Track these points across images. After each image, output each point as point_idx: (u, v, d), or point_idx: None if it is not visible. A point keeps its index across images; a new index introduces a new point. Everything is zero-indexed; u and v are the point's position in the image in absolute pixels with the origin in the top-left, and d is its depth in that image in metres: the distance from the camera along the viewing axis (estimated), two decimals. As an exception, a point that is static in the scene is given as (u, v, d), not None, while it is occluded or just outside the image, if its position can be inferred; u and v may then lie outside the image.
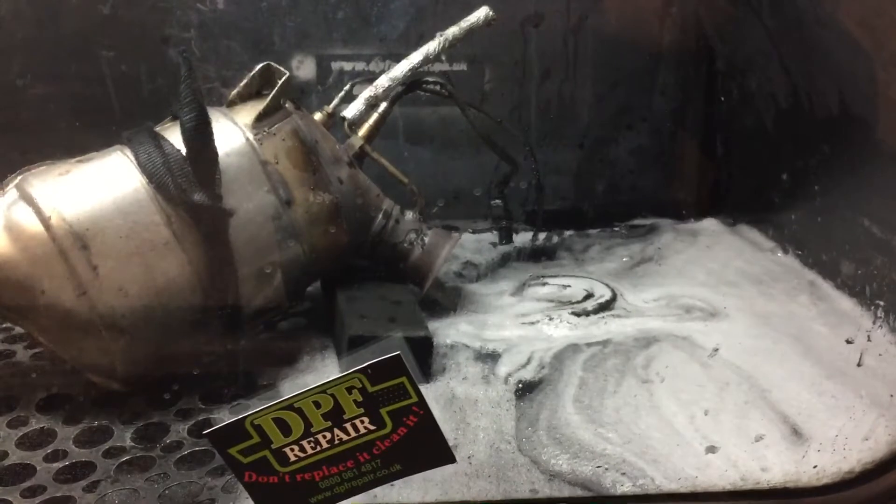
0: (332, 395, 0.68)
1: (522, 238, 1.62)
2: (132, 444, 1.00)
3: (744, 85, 1.65)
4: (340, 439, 0.70)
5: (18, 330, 1.22)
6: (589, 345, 1.21)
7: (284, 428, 0.69)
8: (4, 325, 1.25)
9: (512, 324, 1.28)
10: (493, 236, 1.62)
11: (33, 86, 1.47)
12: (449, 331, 1.24)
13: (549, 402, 1.07)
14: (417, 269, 1.27)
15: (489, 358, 1.18)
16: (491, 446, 0.98)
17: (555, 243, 1.62)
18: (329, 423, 0.69)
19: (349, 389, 0.68)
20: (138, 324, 1.01)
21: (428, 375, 1.12)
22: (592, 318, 1.30)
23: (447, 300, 1.31)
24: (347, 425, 0.70)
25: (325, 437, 0.70)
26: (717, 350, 1.15)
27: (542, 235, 1.61)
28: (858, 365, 1.04)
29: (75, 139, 1.29)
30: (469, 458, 0.95)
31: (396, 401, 0.69)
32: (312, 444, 0.70)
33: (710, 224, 1.72)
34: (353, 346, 1.09)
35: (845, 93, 1.34)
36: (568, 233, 1.68)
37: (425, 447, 0.72)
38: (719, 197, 1.76)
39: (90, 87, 1.49)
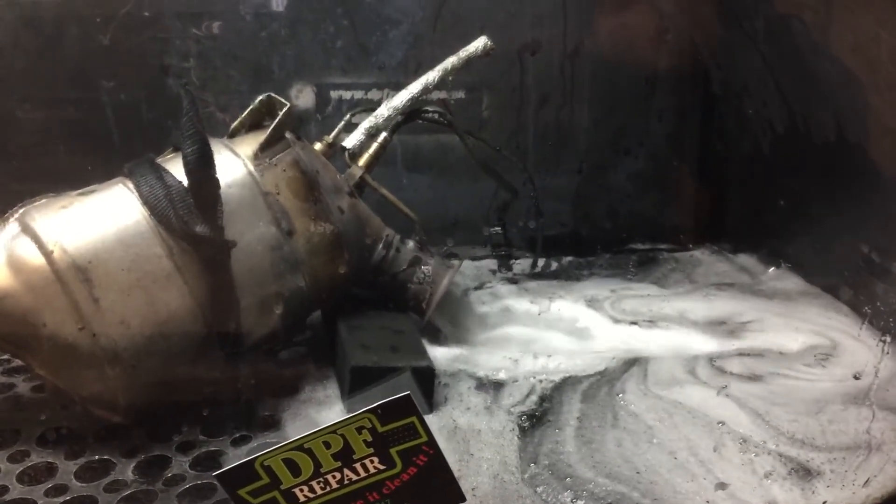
0: (342, 436, 0.68)
1: (523, 264, 1.63)
2: (134, 477, 0.99)
3: (740, 110, 1.66)
4: (350, 479, 0.70)
5: (18, 362, 1.21)
6: (589, 376, 1.21)
7: (294, 468, 0.69)
8: (4, 358, 1.24)
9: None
10: (492, 263, 1.62)
11: (33, 115, 1.47)
12: (450, 359, 1.24)
13: (552, 432, 1.07)
14: (418, 298, 1.27)
15: (491, 387, 1.18)
16: (495, 477, 0.97)
17: (554, 270, 1.63)
18: (339, 464, 0.69)
19: (359, 429, 0.68)
20: (140, 356, 1.00)
21: (430, 406, 1.12)
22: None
23: (449, 329, 1.31)
24: (357, 465, 0.70)
25: (334, 477, 0.70)
26: (725, 387, 1.15)
27: (541, 262, 1.62)
28: (866, 398, 1.04)
29: (75, 168, 1.30)
30: (473, 489, 0.95)
31: (406, 440, 0.69)
32: (322, 485, 0.70)
33: (708, 250, 1.73)
34: (356, 377, 1.09)
35: (841, 119, 1.35)
36: (567, 259, 1.68)
37: (435, 486, 0.72)
38: (717, 222, 1.77)
39: (90, 116, 1.49)
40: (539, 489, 0.95)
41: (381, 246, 1.26)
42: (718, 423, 1.07)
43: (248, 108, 1.19)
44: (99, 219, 1.02)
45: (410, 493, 0.72)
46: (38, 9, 1.44)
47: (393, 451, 0.69)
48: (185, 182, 1.03)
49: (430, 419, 1.09)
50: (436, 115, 1.38)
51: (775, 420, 1.07)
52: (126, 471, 1.00)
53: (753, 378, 1.19)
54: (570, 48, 1.64)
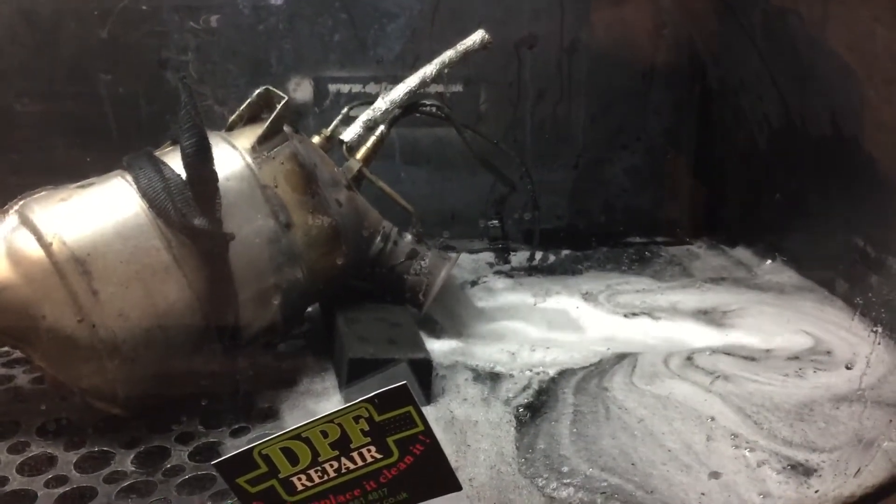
0: (340, 425, 0.68)
1: (519, 258, 1.64)
2: (133, 469, 1.00)
3: (737, 105, 1.66)
4: (347, 468, 0.71)
5: (17, 354, 1.22)
6: (584, 368, 1.22)
7: (292, 457, 0.69)
8: (3, 350, 1.25)
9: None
10: (489, 256, 1.63)
11: (32, 108, 1.47)
12: (447, 351, 1.25)
13: (549, 424, 1.07)
14: (416, 290, 1.27)
15: (488, 379, 1.18)
16: (492, 468, 0.98)
17: (550, 263, 1.63)
18: (336, 452, 0.70)
19: (356, 419, 0.68)
20: (139, 348, 1.01)
21: (428, 397, 1.13)
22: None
23: (447, 321, 1.32)
24: (354, 454, 0.70)
25: (332, 466, 0.70)
26: (718, 377, 1.15)
27: (538, 255, 1.62)
28: (859, 390, 1.05)
29: (74, 161, 1.31)
30: (470, 480, 0.95)
31: (403, 429, 0.70)
32: (320, 473, 0.70)
33: (704, 244, 1.74)
34: (354, 369, 1.09)
35: (837, 113, 1.36)
36: (564, 252, 1.69)
37: (432, 475, 0.72)
38: (714, 216, 1.78)
39: (88, 110, 1.50)
40: (536, 480, 0.96)
41: (378, 238, 1.26)
42: (709, 417, 1.08)
43: (246, 102, 1.19)
44: (98, 211, 1.03)
45: (407, 481, 0.72)
46: (35, 2, 1.44)
47: (390, 440, 0.70)
48: (184, 175, 1.03)
49: (427, 410, 1.08)
50: (433, 109, 1.38)
51: (766, 413, 1.08)
52: (125, 462, 1.01)
53: (744, 370, 1.19)
54: (567, 42, 1.65)
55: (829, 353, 1.24)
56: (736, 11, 1.58)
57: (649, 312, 1.41)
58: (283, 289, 1.12)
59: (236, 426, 1.08)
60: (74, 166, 1.13)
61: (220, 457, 0.71)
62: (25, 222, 1.00)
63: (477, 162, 1.45)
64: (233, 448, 1.01)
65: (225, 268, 1.06)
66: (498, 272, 1.59)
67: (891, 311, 1.22)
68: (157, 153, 1.10)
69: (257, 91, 1.19)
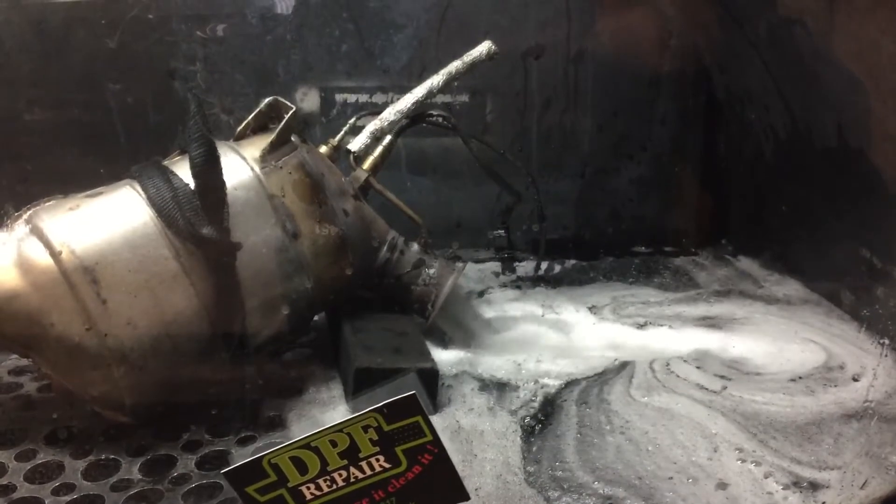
0: (349, 434, 0.69)
1: (526, 267, 1.64)
2: (140, 477, 1.00)
3: (743, 115, 1.67)
4: (356, 477, 0.71)
5: (25, 362, 1.22)
6: (589, 378, 1.22)
7: (301, 466, 0.69)
8: (11, 357, 1.25)
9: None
10: (496, 266, 1.63)
11: (41, 117, 1.48)
12: (454, 361, 1.25)
13: (555, 434, 1.07)
14: (423, 300, 1.28)
15: (494, 389, 1.18)
16: (498, 478, 0.98)
17: (556, 273, 1.63)
18: (345, 462, 0.70)
19: (365, 428, 0.69)
20: (146, 356, 1.01)
21: (434, 407, 1.13)
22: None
23: (453, 331, 1.32)
24: (363, 463, 0.70)
25: (340, 475, 0.70)
26: (724, 388, 1.15)
27: (544, 265, 1.62)
28: (865, 402, 1.05)
29: (83, 170, 1.31)
30: (476, 490, 0.95)
31: (411, 439, 0.70)
32: (328, 483, 0.70)
33: (710, 254, 1.73)
34: (360, 378, 1.10)
35: (843, 124, 1.36)
36: (570, 262, 1.69)
37: (440, 485, 0.73)
38: (719, 227, 1.78)
39: (97, 119, 1.51)
40: (542, 490, 0.96)
41: (385, 248, 1.26)
42: (713, 430, 1.08)
43: (254, 111, 1.20)
44: (107, 220, 1.03)
45: (415, 491, 0.72)
46: (45, 12, 1.45)
47: (398, 449, 0.70)
48: (192, 184, 1.04)
49: (433, 420, 1.07)
50: (440, 119, 1.39)
51: (772, 432, 1.07)
52: (133, 470, 1.01)
53: (749, 383, 1.19)
54: (573, 52, 1.65)
55: (836, 366, 1.23)
56: (741, 22, 1.59)
57: (655, 323, 1.40)
58: (290, 298, 1.12)
59: (243, 435, 1.08)
60: (83, 175, 1.14)
61: (228, 465, 0.71)
62: (35, 231, 1.01)
63: (483, 172, 1.45)
64: (240, 457, 1.02)
65: (232, 277, 1.06)
66: (504, 282, 1.60)
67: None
68: (165, 162, 1.11)
69: (265, 101, 1.20)
